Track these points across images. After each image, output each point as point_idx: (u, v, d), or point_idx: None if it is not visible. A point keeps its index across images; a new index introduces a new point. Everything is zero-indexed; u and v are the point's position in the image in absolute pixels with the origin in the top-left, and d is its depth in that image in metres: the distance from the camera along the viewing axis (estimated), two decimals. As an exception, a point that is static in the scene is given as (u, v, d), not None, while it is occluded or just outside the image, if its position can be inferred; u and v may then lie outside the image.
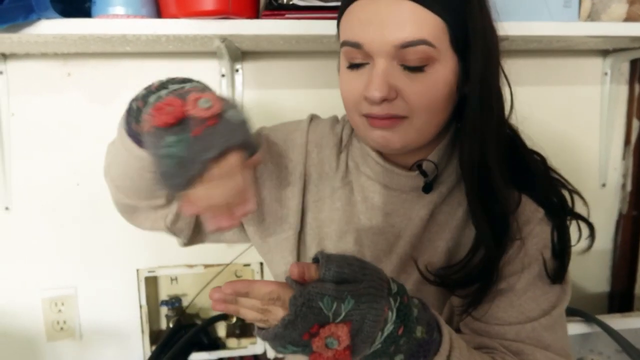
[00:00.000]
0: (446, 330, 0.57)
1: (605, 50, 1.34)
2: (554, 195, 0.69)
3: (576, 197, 0.70)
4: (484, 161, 0.64)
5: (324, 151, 0.75)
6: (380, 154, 0.71)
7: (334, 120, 0.79)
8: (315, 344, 0.49)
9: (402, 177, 0.70)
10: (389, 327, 0.51)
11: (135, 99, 0.58)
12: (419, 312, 0.54)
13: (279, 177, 0.74)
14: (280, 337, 0.49)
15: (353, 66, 0.63)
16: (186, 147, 0.49)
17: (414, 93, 0.60)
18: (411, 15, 0.58)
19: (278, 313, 0.50)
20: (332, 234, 0.73)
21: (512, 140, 0.70)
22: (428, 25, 0.58)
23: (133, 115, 0.58)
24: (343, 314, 0.49)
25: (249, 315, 0.51)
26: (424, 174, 0.69)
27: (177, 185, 0.51)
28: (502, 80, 0.66)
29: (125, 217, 0.72)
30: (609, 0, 1.09)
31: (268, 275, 1.19)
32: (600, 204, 1.42)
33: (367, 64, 0.62)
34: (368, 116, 0.63)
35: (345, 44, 0.62)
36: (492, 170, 0.64)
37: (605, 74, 1.36)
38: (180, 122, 0.50)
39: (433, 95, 0.61)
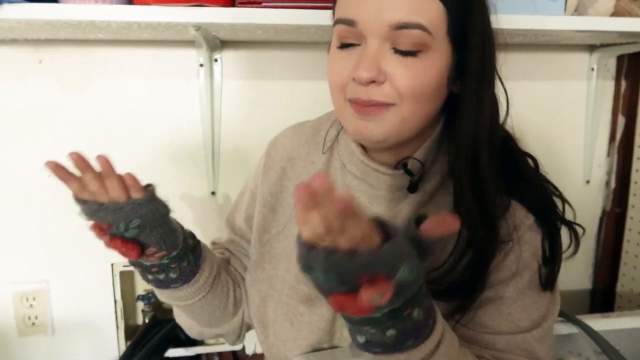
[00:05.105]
0: (440, 319, 0.54)
1: (592, 45, 1.32)
2: (545, 201, 0.66)
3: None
4: (475, 165, 0.61)
5: (298, 163, 0.76)
6: (365, 151, 0.68)
7: (316, 124, 0.79)
8: (364, 292, 0.42)
9: (387, 177, 0.67)
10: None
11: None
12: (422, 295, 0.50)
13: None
14: (357, 263, 0.41)
15: (344, 46, 0.60)
16: None
17: (403, 78, 0.57)
18: None
19: (355, 232, 0.40)
20: None
21: (504, 142, 0.68)
22: (427, 10, 0.56)
23: None
24: (397, 277, 0.43)
25: (314, 223, 0.39)
26: (409, 173, 0.66)
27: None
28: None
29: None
30: (596, -5, 1.07)
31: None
32: (584, 201, 1.41)
33: (358, 45, 0.59)
34: (353, 102, 0.60)
35: (338, 21, 0.60)
36: (484, 175, 0.61)
37: (592, 69, 1.34)
38: None
39: (423, 82, 0.58)
